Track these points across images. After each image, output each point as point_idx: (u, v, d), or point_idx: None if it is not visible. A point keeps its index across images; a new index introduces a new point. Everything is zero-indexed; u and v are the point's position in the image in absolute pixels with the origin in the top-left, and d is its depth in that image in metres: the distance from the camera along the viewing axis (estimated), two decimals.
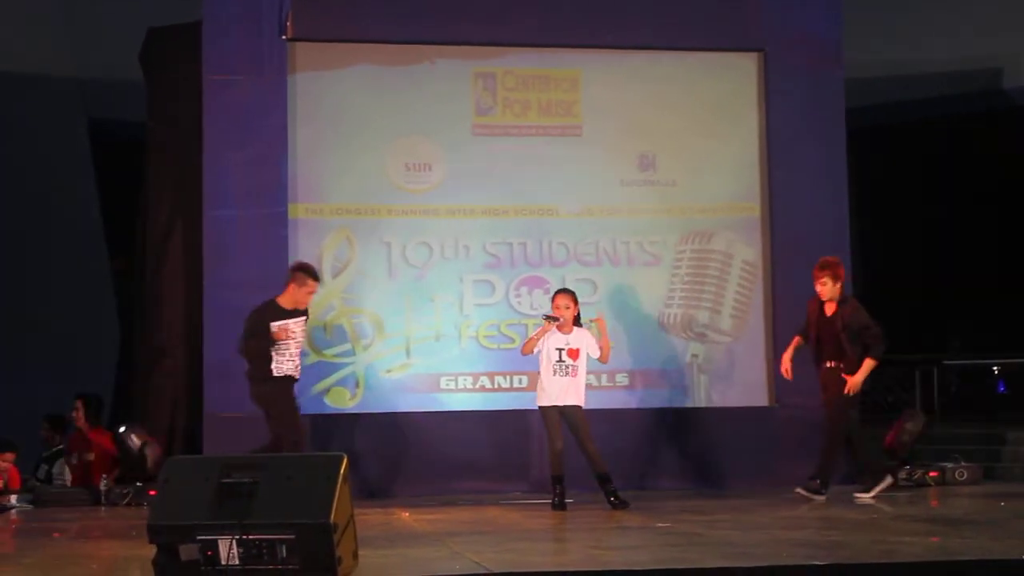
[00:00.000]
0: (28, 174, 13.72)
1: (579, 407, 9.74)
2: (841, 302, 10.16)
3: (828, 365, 10.13)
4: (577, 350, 9.74)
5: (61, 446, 11.95)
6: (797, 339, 10.38)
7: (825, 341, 10.14)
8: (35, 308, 13.51)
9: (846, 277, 11.53)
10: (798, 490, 9.99)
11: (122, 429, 10.91)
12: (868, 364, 10.01)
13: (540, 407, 9.78)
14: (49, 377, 12.92)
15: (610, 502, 9.58)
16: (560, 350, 9.72)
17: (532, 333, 9.94)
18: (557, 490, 9.63)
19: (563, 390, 9.69)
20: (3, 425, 11.94)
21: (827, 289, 10.16)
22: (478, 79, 11.70)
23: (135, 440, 10.80)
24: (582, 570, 6.45)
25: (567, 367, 9.70)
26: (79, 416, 11.47)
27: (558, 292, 10.02)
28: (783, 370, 10.32)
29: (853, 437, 10.14)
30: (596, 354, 9.87)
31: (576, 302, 9.88)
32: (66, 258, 13.66)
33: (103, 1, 14.06)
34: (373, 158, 11.47)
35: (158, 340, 11.85)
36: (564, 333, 9.75)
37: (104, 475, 10.80)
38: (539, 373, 9.86)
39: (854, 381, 9.95)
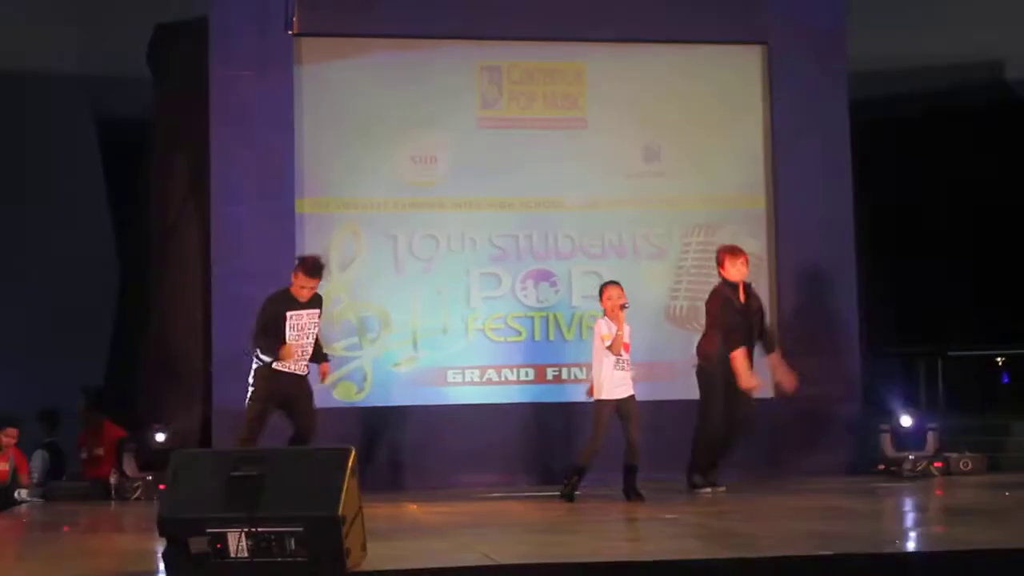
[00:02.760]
0: (35, 171, 13.75)
1: (634, 397, 9.68)
2: (748, 288, 10.07)
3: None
4: (629, 344, 9.66)
5: (50, 439, 11.92)
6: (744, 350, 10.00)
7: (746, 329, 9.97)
8: (40, 304, 13.53)
9: (852, 269, 11.63)
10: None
11: (160, 436, 10.83)
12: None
13: (598, 400, 9.61)
14: (55, 373, 12.95)
15: (625, 492, 9.55)
16: (624, 344, 9.59)
17: (605, 331, 9.59)
18: (573, 480, 9.60)
19: (623, 383, 9.61)
20: None
21: (746, 271, 10.04)
22: (483, 72, 11.74)
23: (162, 438, 10.76)
24: (590, 561, 6.48)
25: (624, 361, 9.60)
26: (84, 410, 11.48)
27: (611, 284, 9.74)
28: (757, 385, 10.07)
29: None
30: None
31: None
32: (72, 254, 13.68)
33: None
34: (379, 152, 11.51)
35: (167, 335, 11.90)
36: (620, 328, 9.58)
37: (113, 468, 10.83)
38: (594, 366, 9.69)
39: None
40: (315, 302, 9.80)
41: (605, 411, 9.58)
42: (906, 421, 11.28)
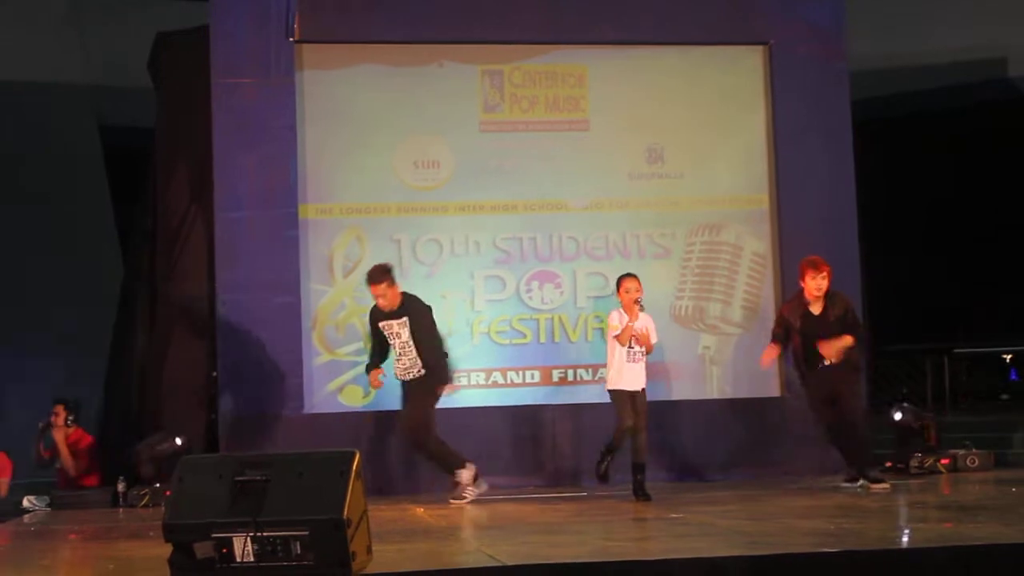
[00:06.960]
0: (41, 180, 13.80)
1: (644, 391, 9.77)
2: (830, 298, 9.94)
3: (828, 363, 9.87)
4: (647, 335, 9.73)
5: None
6: (776, 347, 10.13)
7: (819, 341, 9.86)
8: (46, 310, 13.56)
9: (855, 267, 11.60)
10: (844, 485, 9.83)
11: (170, 442, 10.81)
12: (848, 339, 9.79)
13: (612, 390, 9.73)
14: (63, 378, 12.97)
15: (635, 492, 9.57)
16: (633, 336, 9.67)
17: (615, 322, 9.72)
18: (607, 459, 9.66)
19: (636, 376, 9.71)
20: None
21: (826, 285, 9.91)
22: (485, 76, 11.75)
23: (165, 447, 10.76)
24: (594, 561, 6.48)
25: (636, 353, 9.70)
26: (58, 421, 11.40)
27: (628, 276, 9.84)
28: (765, 361, 10.16)
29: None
30: (654, 339, 9.83)
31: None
32: (78, 262, 13.72)
33: (114, 8, 14.14)
34: (382, 157, 11.53)
35: (171, 342, 11.90)
36: (632, 320, 9.68)
37: (120, 476, 10.79)
38: (608, 357, 9.82)
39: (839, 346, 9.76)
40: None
41: (623, 397, 9.66)
42: (897, 416, 11.30)
